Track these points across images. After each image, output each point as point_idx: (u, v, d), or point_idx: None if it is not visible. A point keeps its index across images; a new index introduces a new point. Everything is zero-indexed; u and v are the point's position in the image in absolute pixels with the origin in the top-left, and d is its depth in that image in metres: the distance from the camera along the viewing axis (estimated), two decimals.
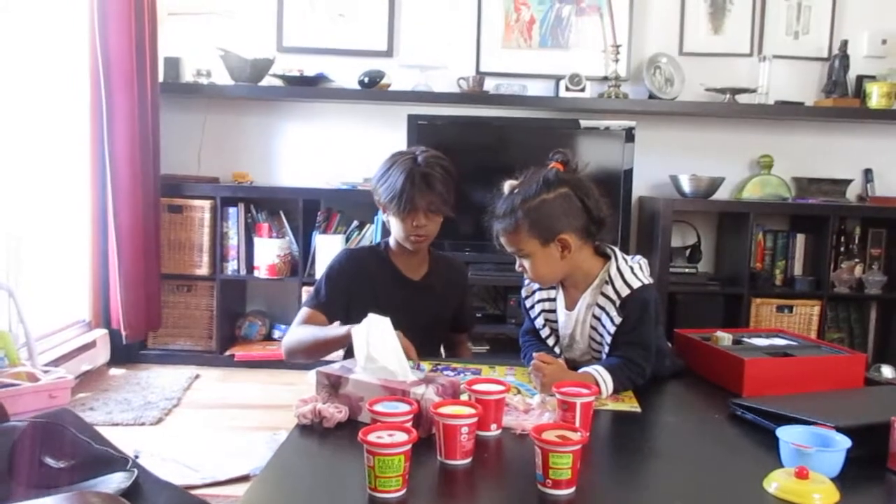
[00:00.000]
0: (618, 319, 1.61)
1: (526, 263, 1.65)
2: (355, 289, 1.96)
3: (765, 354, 1.68)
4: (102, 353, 3.38)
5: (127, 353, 3.49)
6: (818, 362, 1.67)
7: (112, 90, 3.13)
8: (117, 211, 3.20)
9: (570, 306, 1.72)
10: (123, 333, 3.27)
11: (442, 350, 2.18)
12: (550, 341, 1.78)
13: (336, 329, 1.79)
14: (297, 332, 1.89)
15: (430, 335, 2.04)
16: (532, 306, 1.80)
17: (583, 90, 3.54)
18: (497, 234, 1.65)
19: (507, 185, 1.66)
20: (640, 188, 3.70)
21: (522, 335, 1.87)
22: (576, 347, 1.74)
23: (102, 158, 3.20)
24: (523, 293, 1.83)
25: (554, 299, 1.76)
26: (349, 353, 1.83)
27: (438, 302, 2.06)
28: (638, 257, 1.72)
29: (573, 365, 1.66)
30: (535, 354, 1.59)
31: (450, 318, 2.13)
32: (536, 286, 1.78)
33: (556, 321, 1.77)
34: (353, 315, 1.80)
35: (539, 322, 1.79)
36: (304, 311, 1.95)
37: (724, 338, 1.79)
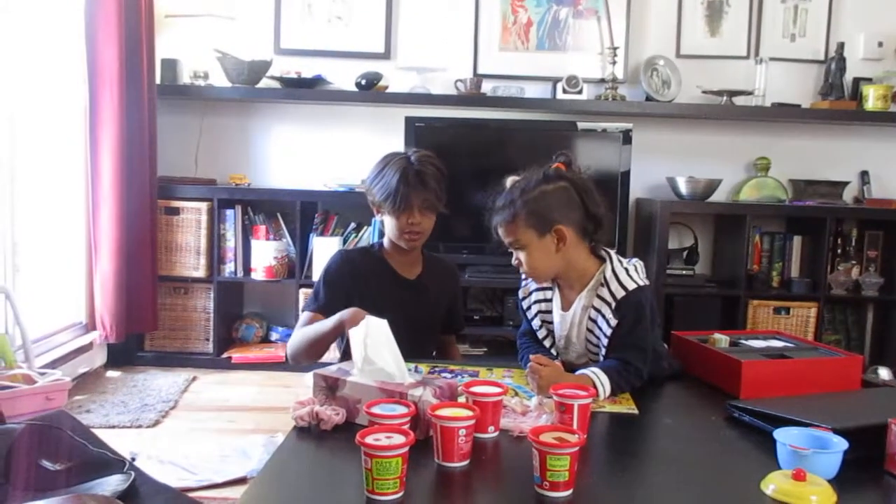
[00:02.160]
0: (613, 321, 1.61)
1: (521, 256, 1.65)
2: (352, 289, 1.97)
3: (762, 356, 1.68)
4: (99, 356, 3.38)
5: (124, 356, 3.48)
6: (815, 364, 1.67)
7: (97, 93, 3.11)
8: (97, 212, 3.19)
9: (565, 307, 1.72)
10: (101, 334, 3.25)
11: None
12: (547, 343, 1.78)
13: (325, 323, 1.83)
14: (297, 335, 1.94)
15: (425, 334, 2.06)
16: (529, 307, 1.80)
17: (580, 92, 3.54)
18: (495, 226, 1.67)
19: (509, 181, 1.68)
20: (637, 190, 3.71)
21: (520, 337, 1.87)
22: (572, 349, 1.74)
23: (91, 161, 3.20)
24: (520, 294, 1.83)
25: (550, 300, 1.76)
26: (346, 355, 1.83)
27: (433, 301, 2.08)
28: (634, 259, 1.72)
29: (570, 367, 1.66)
30: (531, 356, 1.59)
31: (442, 318, 2.14)
32: (533, 287, 1.78)
33: (552, 322, 1.77)
34: None
35: (536, 323, 1.79)
36: (304, 315, 1.98)
37: (722, 340, 1.79)
